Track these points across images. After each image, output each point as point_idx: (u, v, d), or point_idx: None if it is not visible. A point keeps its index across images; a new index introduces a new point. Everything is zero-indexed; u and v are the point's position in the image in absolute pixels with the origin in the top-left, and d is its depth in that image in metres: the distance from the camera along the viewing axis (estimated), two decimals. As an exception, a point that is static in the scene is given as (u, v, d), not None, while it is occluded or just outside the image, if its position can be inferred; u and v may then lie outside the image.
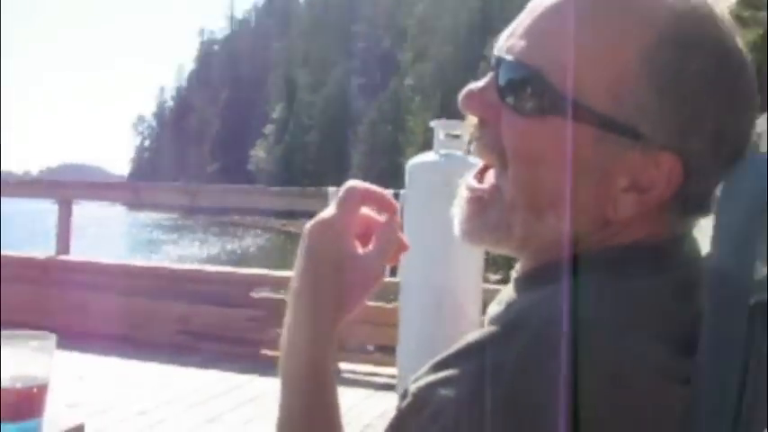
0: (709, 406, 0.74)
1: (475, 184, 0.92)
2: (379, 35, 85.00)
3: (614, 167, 0.83)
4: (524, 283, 0.91)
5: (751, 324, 0.72)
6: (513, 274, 0.95)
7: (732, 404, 0.73)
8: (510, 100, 0.86)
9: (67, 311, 6.20)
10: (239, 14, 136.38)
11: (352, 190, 0.95)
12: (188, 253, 46.24)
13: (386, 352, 5.67)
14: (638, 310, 0.79)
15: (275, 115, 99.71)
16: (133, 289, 6.50)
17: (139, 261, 8.60)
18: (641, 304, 0.80)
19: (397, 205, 0.98)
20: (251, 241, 60.80)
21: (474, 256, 4.94)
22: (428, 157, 4.97)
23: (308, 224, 0.94)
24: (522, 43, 0.86)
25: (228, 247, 54.07)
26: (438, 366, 0.79)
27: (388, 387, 4.93)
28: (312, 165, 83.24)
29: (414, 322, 4.84)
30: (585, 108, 0.83)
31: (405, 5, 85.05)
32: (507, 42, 0.88)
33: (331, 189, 6.08)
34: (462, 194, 0.93)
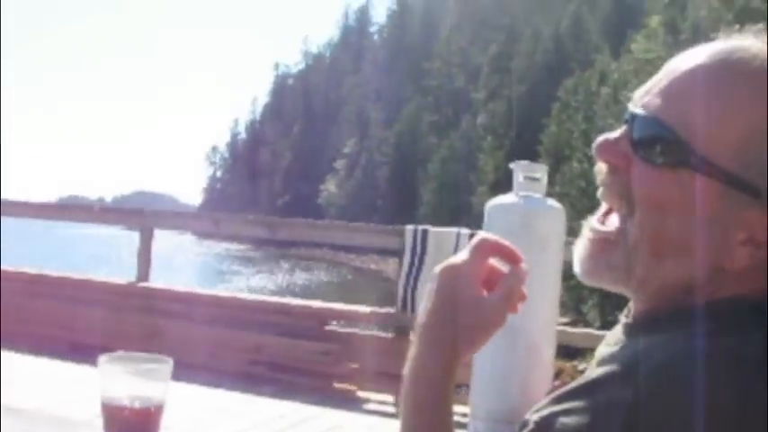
0: None
1: (599, 226, 1.00)
2: (452, 73, 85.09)
3: (735, 221, 0.90)
4: (638, 328, 0.97)
5: None
6: (623, 318, 1.02)
7: None
8: (642, 152, 0.94)
9: (144, 338, 6.33)
10: (314, 49, 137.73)
11: (484, 239, 1.06)
12: (258, 284, 46.57)
13: (456, 390, 5.68)
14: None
15: (347, 150, 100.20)
16: (209, 318, 6.62)
17: (218, 291, 8.73)
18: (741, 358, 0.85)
19: (522, 258, 1.06)
20: (320, 275, 61.00)
21: (549, 298, 4.97)
22: (507, 198, 5.01)
23: (440, 266, 1.05)
24: (658, 101, 0.94)
25: (298, 280, 54.31)
26: (559, 398, 0.87)
27: (459, 425, 4.93)
28: (382, 201, 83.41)
29: (487, 361, 4.86)
30: (713, 165, 0.90)
31: (478, 44, 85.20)
32: (643, 99, 0.96)
33: (408, 228, 6.15)
34: (586, 234, 1.01)
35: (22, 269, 8.13)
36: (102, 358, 1.43)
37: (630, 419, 0.81)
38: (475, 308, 1.04)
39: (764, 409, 0.81)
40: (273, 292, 36.59)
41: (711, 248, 0.92)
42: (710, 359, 0.83)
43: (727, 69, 0.93)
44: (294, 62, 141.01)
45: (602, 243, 0.99)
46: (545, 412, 0.87)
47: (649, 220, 0.93)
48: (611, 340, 1.00)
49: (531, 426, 0.87)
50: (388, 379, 5.72)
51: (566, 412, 0.85)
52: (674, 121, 0.92)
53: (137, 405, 1.42)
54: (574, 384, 0.88)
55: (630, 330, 0.99)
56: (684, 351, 0.84)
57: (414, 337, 1.07)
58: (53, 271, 8.31)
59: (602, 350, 0.99)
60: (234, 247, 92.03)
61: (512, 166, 5.12)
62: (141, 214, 7.84)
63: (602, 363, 0.91)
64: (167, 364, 1.45)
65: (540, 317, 4.86)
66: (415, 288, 5.91)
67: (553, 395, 0.88)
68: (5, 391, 5.02)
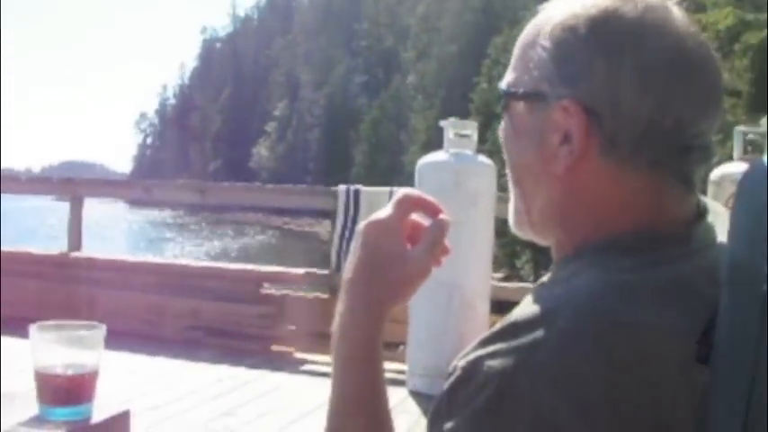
0: (724, 388, 0.83)
1: None
2: (381, 33, 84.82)
3: (546, 128, 1.00)
4: (557, 268, 1.03)
5: (763, 312, 0.80)
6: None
7: (745, 388, 0.81)
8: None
9: (79, 308, 6.26)
10: (242, 12, 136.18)
11: (407, 194, 1.09)
12: (193, 250, 46.30)
13: (390, 348, 5.73)
14: (666, 295, 0.90)
15: (277, 113, 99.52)
16: (144, 285, 6.58)
17: (150, 258, 8.66)
18: (671, 289, 0.90)
19: (444, 211, 1.09)
20: (254, 239, 60.79)
21: (482, 253, 5.03)
22: (438, 156, 5.05)
23: (364, 222, 1.06)
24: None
25: (233, 244, 54.08)
26: (484, 342, 0.89)
27: (397, 382, 4.98)
28: (314, 163, 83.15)
29: (423, 318, 4.91)
30: (507, 92, 1.05)
31: (407, 4, 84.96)
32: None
33: (341, 188, 6.16)
34: None
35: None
36: (34, 327, 1.42)
37: (554, 359, 0.84)
38: (399, 261, 1.06)
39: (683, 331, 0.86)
40: (208, 258, 36.44)
41: (543, 161, 1.00)
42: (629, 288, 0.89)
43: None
44: (222, 26, 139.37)
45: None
46: (471, 356, 0.89)
47: (507, 159, 1.08)
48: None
49: (458, 372, 0.90)
50: (324, 339, 5.71)
51: (491, 355, 0.87)
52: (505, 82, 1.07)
53: (70, 372, 1.42)
54: (497, 327, 0.91)
55: (553, 272, 1.02)
56: (596, 289, 0.89)
57: (341, 293, 1.09)
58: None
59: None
60: (167, 214, 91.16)
61: (442, 123, 5.15)
62: (71, 183, 7.72)
63: (525, 305, 0.93)
64: (99, 330, 1.45)
65: (473, 272, 4.93)
66: (348, 248, 5.92)
67: (480, 338, 0.90)
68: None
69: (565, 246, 1.02)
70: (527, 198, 1.05)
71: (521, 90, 1.03)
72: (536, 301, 0.92)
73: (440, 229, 1.09)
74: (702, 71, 0.99)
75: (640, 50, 0.96)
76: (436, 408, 0.91)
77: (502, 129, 1.07)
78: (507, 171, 1.08)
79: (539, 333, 0.86)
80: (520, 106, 1.03)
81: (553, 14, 1.02)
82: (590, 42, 0.97)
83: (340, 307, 1.08)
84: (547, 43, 1.00)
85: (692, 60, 0.98)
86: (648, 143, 0.95)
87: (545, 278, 1.01)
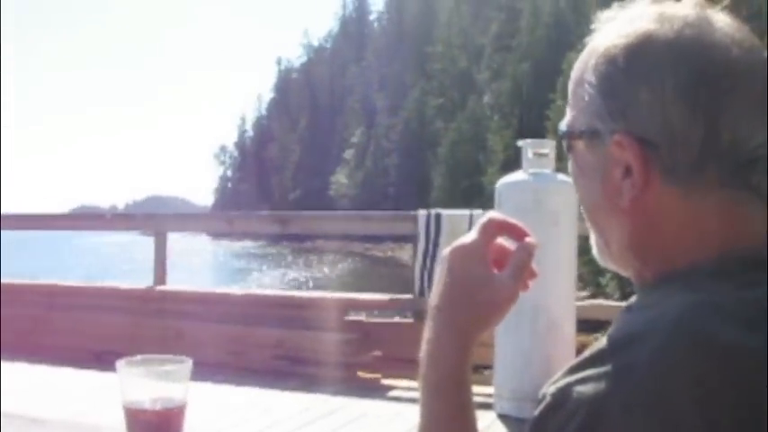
0: None
1: None
2: (455, 55, 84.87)
3: (607, 163, 0.99)
4: (643, 293, 1.00)
5: None
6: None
7: None
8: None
9: (167, 341, 6.35)
10: (315, 42, 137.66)
11: (491, 218, 1.08)
12: (276, 280, 46.70)
13: (477, 371, 5.69)
14: (757, 316, 0.85)
15: (354, 140, 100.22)
16: (229, 316, 6.63)
17: (235, 289, 8.74)
18: (761, 309, 0.86)
19: (529, 233, 1.08)
20: (336, 266, 61.10)
21: (566, 273, 4.96)
22: (517, 176, 5.00)
23: (449, 248, 1.05)
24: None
25: (316, 272, 54.43)
26: (574, 369, 0.87)
27: (485, 406, 4.93)
28: (393, 188, 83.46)
29: (509, 341, 4.86)
30: (568, 132, 1.05)
31: (479, 24, 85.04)
32: None
33: (421, 212, 6.15)
34: None
35: (39, 282, 8.17)
36: (121, 363, 1.43)
37: (645, 382, 0.81)
38: (486, 286, 1.05)
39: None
40: (292, 287, 36.72)
41: (609, 196, 1.00)
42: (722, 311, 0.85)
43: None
44: (296, 56, 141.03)
45: None
46: (561, 383, 0.87)
47: (579, 198, 1.08)
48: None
49: (547, 399, 0.87)
50: (410, 365, 5.68)
51: (581, 381, 0.85)
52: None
53: (158, 407, 1.42)
54: (587, 353, 0.89)
55: (638, 297, 1.00)
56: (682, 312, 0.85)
57: (426, 321, 1.08)
58: (71, 281, 8.34)
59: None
60: (249, 244, 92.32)
61: (520, 143, 5.12)
62: (154, 218, 7.85)
63: (614, 330, 0.91)
64: (186, 364, 1.45)
65: (558, 293, 4.86)
66: (431, 272, 5.90)
67: (568, 366, 0.88)
68: (31, 402, 5.06)
69: (645, 275, 1.00)
70: (604, 233, 1.05)
71: (577, 129, 1.04)
72: (624, 325, 0.90)
73: (527, 252, 1.08)
74: (752, 79, 0.96)
75: (680, 70, 0.94)
76: None
77: (570, 169, 1.08)
78: (581, 209, 1.08)
79: (629, 357, 0.83)
80: (580, 145, 1.04)
81: (597, 45, 1.03)
82: (630, 72, 0.97)
83: (427, 334, 1.07)
84: (592, 79, 1.00)
85: (739, 70, 0.95)
86: (708, 163, 0.93)
87: (631, 302, 0.98)
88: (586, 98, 1.01)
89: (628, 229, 0.99)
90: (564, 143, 1.07)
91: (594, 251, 1.09)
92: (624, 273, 1.06)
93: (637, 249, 1.00)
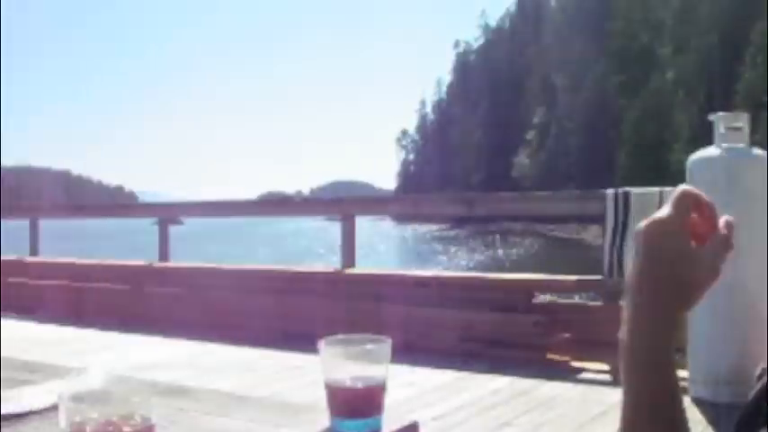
0: None
1: None
2: (635, 30, 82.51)
3: None
4: None
5: None
6: None
7: None
8: None
9: (358, 322, 6.46)
10: (492, 22, 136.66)
11: (686, 192, 1.02)
12: (461, 262, 46.77)
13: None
14: None
15: (536, 120, 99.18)
16: (419, 298, 6.70)
17: (423, 271, 8.82)
18: None
19: (722, 213, 1.02)
20: (521, 248, 60.66)
21: (760, 251, 4.75)
22: (709, 151, 4.83)
23: (643, 224, 1.00)
24: None
25: (501, 254, 54.19)
26: None
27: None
28: (576, 168, 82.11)
29: (703, 323, 4.71)
30: None
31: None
32: None
33: (609, 191, 6.02)
34: None
35: (234, 266, 8.49)
36: (322, 342, 1.46)
37: None
38: (687, 263, 1.00)
39: None
40: (477, 269, 36.72)
41: None
42: None
43: None
44: (474, 38, 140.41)
45: None
46: None
47: None
48: None
49: None
50: (599, 347, 5.64)
51: None
52: None
53: (359, 385, 1.45)
54: None
55: None
56: None
57: (625, 301, 1.04)
58: (262, 265, 8.63)
59: None
60: (433, 227, 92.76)
61: (711, 117, 4.94)
62: (342, 203, 8.00)
63: None
64: (386, 344, 1.47)
65: (752, 272, 4.67)
66: (621, 252, 5.78)
67: None
68: (237, 381, 5.28)
69: None
70: None
71: None
72: None
73: (729, 225, 1.02)
74: None
75: None
76: (746, 416, 0.86)
77: None
78: None
79: None
80: None
81: None
82: None
83: (627, 314, 1.03)
84: None
85: None
86: None
87: None
88: None
89: None
90: None
91: None
92: None
93: None
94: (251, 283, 7.78)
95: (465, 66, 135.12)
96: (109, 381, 1.80)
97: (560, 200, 7.80)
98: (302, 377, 5.40)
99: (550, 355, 6.05)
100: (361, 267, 7.57)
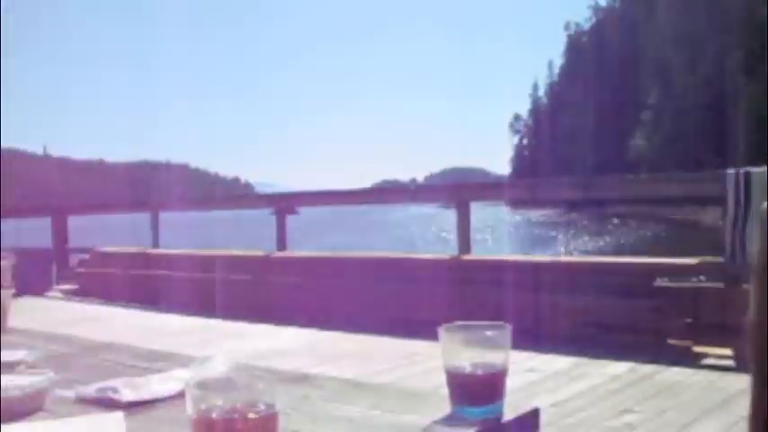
0: None
1: None
2: (752, 4, 79.91)
3: None
4: None
5: None
6: None
7: None
8: None
9: (475, 309, 6.46)
10: (603, 2, 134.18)
11: None
12: (578, 246, 46.19)
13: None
14: None
15: (651, 101, 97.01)
16: (535, 283, 6.65)
17: (538, 256, 8.77)
18: None
19: None
20: (638, 231, 59.55)
21: None
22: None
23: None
24: None
25: (618, 238, 53.32)
26: None
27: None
28: (695, 149, 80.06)
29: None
30: None
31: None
32: None
33: (729, 172, 5.87)
34: None
35: (352, 255, 8.58)
36: (442, 329, 1.47)
37: None
38: None
39: None
40: (593, 253, 36.22)
41: None
42: None
43: None
44: (585, 18, 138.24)
45: None
46: None
47: None
48: None
49: None
50: (723, 332, 5.51)
51: None
52: None
53: (480, 372, 1.46)
54: None
55: None
56: None
57: (752, 285, 1.01)
58: (378, 253, 8.68)
59: None
60: (547, 212, 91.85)
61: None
62: (457, 189, 7.99)
63: None
64: (506, 330, 1.47)
65: None
66: (743, 234, 5.63)
67: None
68: (355, 369, 5.34)
69: None
70: None
71: None
72: None
73: None
74: None
75: None
76: None
77: None
78: None
79: None
80: None
81: None
82: None
83: (755, 297, 1.00)
84: None
85: None
86: None
87: None
88: None
89: None
90: None
91: None
92: None
93: None
94: (367, 271, 7.85)
95: (576, 47, 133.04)
96: (232, 369, 1.85)
97: (678, 181, 7.63)
98: (421, 364, 5.44)
99: (671, 341, 5.93)
100: (477, 253, 7.55)
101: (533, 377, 5.11)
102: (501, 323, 1.47)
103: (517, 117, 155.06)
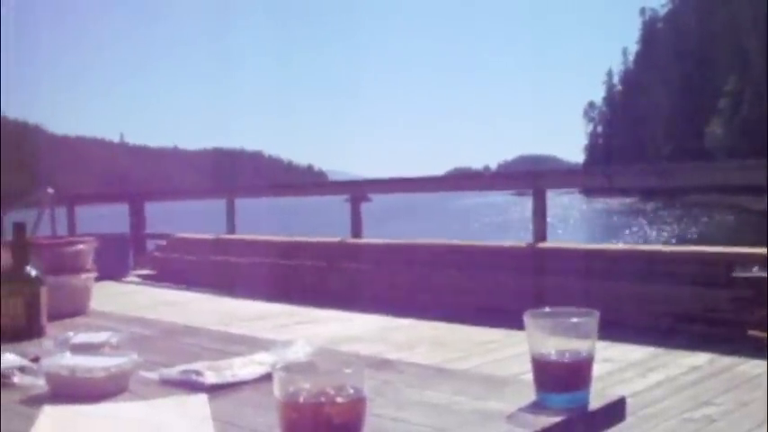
0: None
1: None
2: (841, -13, 77.78)
3: None
4: None
5: None
6: None
7: None
8: None
9: (549, 297, 6.41)
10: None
11: None
12: (654, 235, 45.59)
13: None
14: None
15: (728, 87, 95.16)
16: (611, 273, 6.58)
17: (612, 245, 8.65)
18: None
19: None
20: (714, 220, 58.55)
21: None
22: None
23: None
24: None
25: (694, 227, 52.49)
26: None
27: None
28: (774, 136, 78.40)
29: None
30: None
31: None
32: None
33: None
34: None
35: (425, 242, 8.57)
36: (528, 315, 1.46)
37: None
38: None
39: None
40: (670, 242, 35.71)
41: None
42: None
43: None
44: (660, 4, 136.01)
45: None
46: None
47: None
48: None
49: None
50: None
51: None
52: None
53: (566, 359, 1.44)
54: None
55: None
56: None
57: None
58: (453, 240, 8.66)
59: None
60: (623, 200, 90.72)
61: None
62: (533, 176, 7.93)
63: None
64: (594, 317, 1.45)
65: None
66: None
67: None
68: (429, 355, 5.35)
69: None
70: None
71: None
72: None
73: None
74: None
75: None
76: None
77: None
78: None
79: None
80: None
81: None
82: None
83: None
84: None
85: None
86: None
87: None
88: None
89: None
90: None
91: None
92: None
93: None
94: (440, 258, 7.83)
95: (651, 34, 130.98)
96: (315, 353, 1.86)
97: (756, 169, 7.46)
98: (495, 352, 5.41)
99: (751, 332, 5.82)
100: (553, 241, 7.49)
101: (611, 367, 5.05)
102: (588, 310, 1.45)
103: (592, 105, 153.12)
